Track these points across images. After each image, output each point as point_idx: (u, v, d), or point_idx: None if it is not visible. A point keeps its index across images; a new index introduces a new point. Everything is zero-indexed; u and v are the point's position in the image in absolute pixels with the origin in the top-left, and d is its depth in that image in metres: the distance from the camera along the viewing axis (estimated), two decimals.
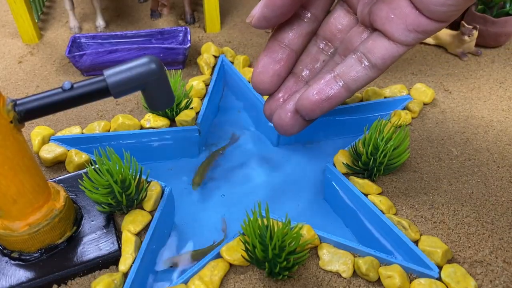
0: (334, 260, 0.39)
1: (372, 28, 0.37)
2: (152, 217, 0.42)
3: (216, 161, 0.54)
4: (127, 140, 0.51)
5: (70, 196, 0.43)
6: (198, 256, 0.42)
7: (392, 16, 0.34)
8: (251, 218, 0.36)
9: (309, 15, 0.39)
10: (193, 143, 0.53)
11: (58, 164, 0.49)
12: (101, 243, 0.40)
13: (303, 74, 0.41)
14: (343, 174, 0.46)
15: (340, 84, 0.37)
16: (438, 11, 0.32)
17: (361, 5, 0.37)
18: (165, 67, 0.34)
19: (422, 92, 0.55)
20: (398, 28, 0.34)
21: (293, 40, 0.39)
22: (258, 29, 0.72)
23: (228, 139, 0.51)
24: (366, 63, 0.36)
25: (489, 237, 0.41)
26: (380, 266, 0.38)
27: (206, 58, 0.62)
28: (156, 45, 0.61)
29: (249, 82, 0.58)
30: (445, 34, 0.64)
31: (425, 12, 0.33)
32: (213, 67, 0.62)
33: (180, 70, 0.61)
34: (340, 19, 0.40)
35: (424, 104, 0.55)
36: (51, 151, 0.48)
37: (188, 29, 0.65)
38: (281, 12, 0.35)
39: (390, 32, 0.35)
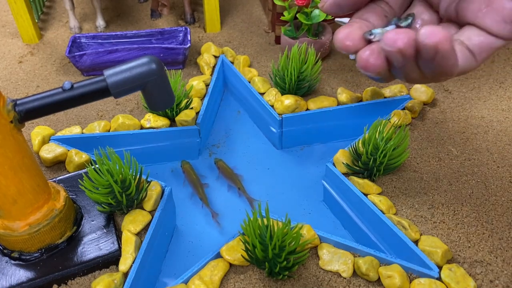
0: (334, 260, 0.39)
1: (462, 22, 0.34)
2: (152, 217, 0.42)
3: (215, 167, 0.54)
4: (127, 140, 0.51)
5: (70, 196, 0.43)
6: None
7: (486, 8, 0.32)
8: (251, 218, 0.36)
9: (388, 8, 0.37)
10: (193, 143, 0.53)
11: (58, 164, 0.49)
12: (101, 243, 0.40)
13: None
14: (343, 174, 0.46)
15: (454, 40, 0.33)
16: None
17: (445, 2, 0.35)
18: (165, 67, 0.34)
19: (422, 92, 0.55)
20: (494, 19, 0.32)
21: (375, 20, 0.36)
22: (258, 30, 0.72)
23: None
24: (466, 50, 0.33)
25: (489, 237, 0.41)
26: (380, 266, 0.38)
27: (206, 58, 0.62)
28: (156, 45, 0.61)
29: (249, 82, 0.58)
30: None
31: None
32: (213, 67, 0.62)
33: (180, 70, 0.61)
34: (422, 16, 0.37)
35: (424, 104, 0.55)
36: (51, 151, 0.48)
37: (188, 29, 0.65)
38: (353, 2, 0.35)
39: (485, 24, 0.32)
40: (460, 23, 0.35)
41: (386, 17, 0.37)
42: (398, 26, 0.36)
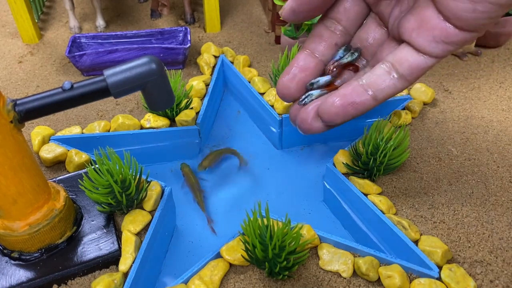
0: (334, 260, 0.39)
1: (401, 40, 0.36)
2: (152, 217, 0.42)
3: (224, 157, 0.54)
4: (127, 140, 0.51)
5: (70, 196, 0.43)
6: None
7: (419, 27, 0.34)
8: (251, 218, 0.36)
9: (340, 28, 0.39)
10: (193, 143, 0.53)
11: (58, 164, 0.49)
12: (101, 243, 0.40)
13: None
14: (343, 174, 0.46)
15: (368, 92, 0.36)
16: (467, 19, 0.31)
17: (392, 18, 0.37)
18: (165, 67, 0.34)
19: (422, 92, 0.55)
20: (426, 39, 0.34)
21: (323, 51, 0.39)
22: (258, 30, 0.72)
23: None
24: (394, 74, 0.36)
25: (489, 237, 0.41)
26: (380, 266, 0.38)
27: (206, 58, 0.62)
28: (156, 45, 0.61)
29: (249, 82, 0.58)
30: None
31: (454, 21, 0.32)
32: (213, 67, 0.62)
33: (180, 70, 0.61)
34: (371, 32, 0.39)
35: (424, 104, 0.55)
36: (51, 151, 0.48)
37: (188, 29, 0.65)
38: (308, 7, 0.36)
39: (417, 44, 0.34)
40: (400, 40, 0.36)
41: (335, 44, 0.39)
42: (336, 66, 0.39)
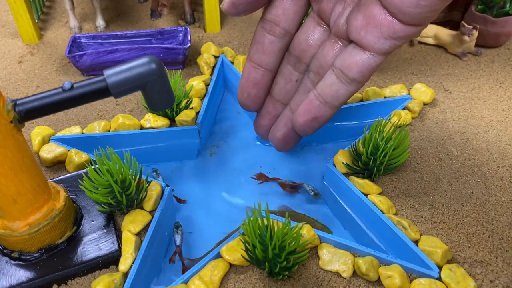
0: (334, 260, 0.39)
1: (347, 39, 0.36)
2: (152, 217, 0.42)
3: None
4: (127, 140, 0.51)
5: (70, 196, 0.43)
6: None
7: (367, 25, 0.33)
8: (251, 218, 0.36)
9: (279, 30, 0.39)
10: (193, 143, 0.53)
11: (58, 164, 0.49)
12: (101, 243, 0.40)
13: (280, 97, 0.43)
14: (343, 174, 0.46)
15: (323, 102, 0.38)
16: (412, 13, 0.31)
17: (335, 16, 0.37)
18: (165, 67, 0.34)
19: (422, 92, 0.55)
20: (374, 36, 0.34)
21: (266, 60, 0.40)
22: None
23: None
24: (345, 79, 0.36)
25: (489, 237, 0.41)
26: (380, 266, 0.38)
27: (206, 58, 0.62)
28: (156, 45, 0.61)
29: None
30: (445, 34, 0.64)
31: (400, 16, 0.32)
32: (213, 67, 0.62)
33: (180, 70, 0.61)
34: (310, 33, 0.39)
35: (424, 104, 0.55)
36: (51, 151, 0.48)
37: (188, 29, 0.65)
38: (247, 1, 0.37)
39: (366, 42, 0.34)
40: (347, 39, 0.36)
41: (279, 51, 0.40)
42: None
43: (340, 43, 0.37)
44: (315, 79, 0.40)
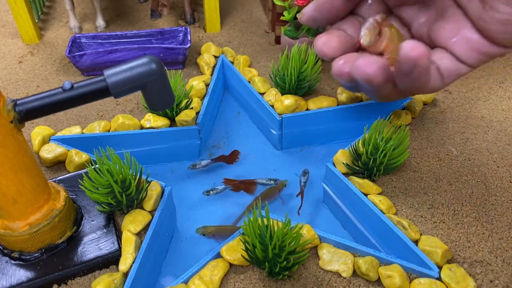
0: (334, 260, 0.39)
1: (433, 46, 0.36)
2: (152, 217, 0.42)
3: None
4: (127, 140, 0.51)
5: (70, 196, 0.43)
6: (222, 232, 0.45)
7: (456, 36, 0.34)
8: (251, 218, 0.36)
9: (362, 21, 0.39)
10: (193, 143, 0.53)
11: (58, 164, 0.49)
12: (101, 243, 0.40)
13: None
14: (343, 174, 0.46)
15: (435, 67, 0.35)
16: (501, 38, 0.32)
17: (417, 24, 0.37)
18: (165, 67, 0.34)
19: None
20: (462, 47, 0.34)
21: (350, 30, 0.39)
22: (258, 30, 0.72)
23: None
24: (436, 70, 0.35)
25: (489, 237, 0.41)
26: (380, 266, 0.38)
27: (206, 58, 0.62)
28: (156, 45, 0.61)
29: (249, 82, 0.58)
30: None
31: (488, 38, 0.33)
32: (213, 67, 0.62)
33: (180, 70, 0.61)
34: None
35: (424, 104, 0.55)
36: (51, 151, 0.48)
37: (188, 29, 0.65)
38: (329, 16, 0.37)
39: (454, 50, 0.34)
40: (431, 45, 0.36)
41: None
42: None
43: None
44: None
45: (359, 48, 0.38)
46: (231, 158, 0.54)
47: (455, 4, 0.34)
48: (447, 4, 0.35)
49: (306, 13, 0.38)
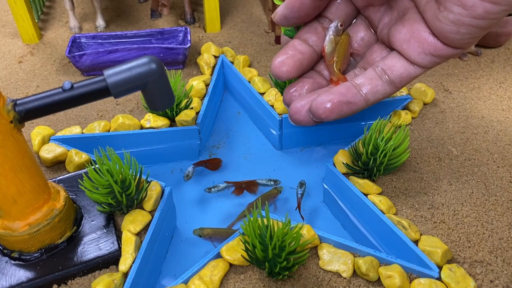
0: (334, 260, 0.39)
1: (391, 48, 0.38)
2: (152, 217, 0.42)
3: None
4: (127, 140, 0.51)
5: (70, 196, 0.43)
6: (219, 234, 0.45)
7: (410, 39, 0.35)
8: (251, 218, 0.36)
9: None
10: (193, 143, 0.53)
11: (58, 164, 0.49)
12: (101, 243, 0.40)
13: (325, 74, 0.42)
14: (343, 174, 0.46)
15: (362, 93, 0.38)
16: (453, 38, 0.33)
17: (382, 25, 0.39)
18: (165, 67, 0.34)
19: (422, 92, 0.56)
20: (415, 50, 0.35)
21: (315, 42, 0.40)
22: (258, 30, 0.72)
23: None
24: (385, 79, 0.37)
25: (489, 237, 0.41)
26: (380, 266, 0.38)
27: (206, 58, 0.62)
28: (156, 45, 0.61)
29: (249, 82, 0.58)
30: None
31: (442, 39, 0.34)
32: (213, 67, 0.62)
33: (180, 70, 0.61)
34: (361, 34, 0.41)
35: (424, 104, 0.55)
36: (51, 151, 0.48)
37: (188, 29, 0.65)
38: (299, 14, 0.38)
39: (408, 54, 0.36)
40: (390, 47, 0.39)
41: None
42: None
43: (386, 50, 0.39)
44: (359, 74, 0.41)
45: (322, 57, 0.41)
46: (212, 164, 0.53)
47: (415, 6, 0.36)
48: (407, 6, 0.36)
49: (279, 12, 0.38)
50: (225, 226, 0.47)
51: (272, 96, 0.55)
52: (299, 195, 0.47)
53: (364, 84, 0.38)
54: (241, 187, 0.50)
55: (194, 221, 0.48)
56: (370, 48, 0.41)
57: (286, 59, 0.39)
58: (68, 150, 0.49)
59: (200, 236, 0.45)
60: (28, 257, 0.38)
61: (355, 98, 0.37)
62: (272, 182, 0.50)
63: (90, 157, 0.48)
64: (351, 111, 0.38)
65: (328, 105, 0.37)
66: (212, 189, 0.49)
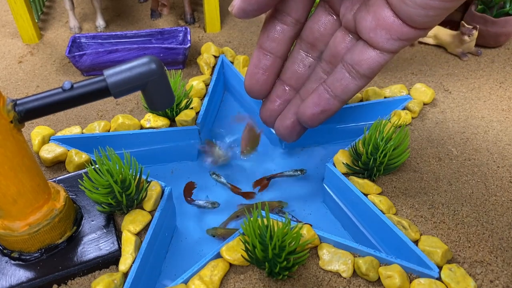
0: (334, 260, 0.39)
1: (356, 34, 0.38)
2: (152, 217, 0.42)
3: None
4: (127, 140, 0.51)
5: (70, 196, 0.43)
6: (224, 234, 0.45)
7: (377, 27, 0.35)
8: (251, 218, 0.36)
9: (290, 19, 0.40)
10: (193, 143, 0.53)
11: (58, 164, 0.49)
12: (101, 243, 0.40)
13: (291, 81, 0.43)
14: (343, 174, 0.46)
15: (332, 96, 0.39)
16: (421, 21, 0.33)
17: (344, 8, 0.38)
18: (165, 67, 0.34)
19: (422, 92, 0.55)
20: (383, 37, 0.35)
21: (276, 48, 0.41)
22: (258, 30, 0.72)
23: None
24: (355, 74, 0.38)
25: (489, 237, 0.41)
26: (380, 266, 0.38)
27: (206, 58, 0.62)
28: (156, 45, 0.61)
29: None
30: (445, 34, 0.64)
31: (409, 22, 0.34)
32: (213, 67, 0.62)
33: (180, 70, 0.61)
34: (322, 21, 0.40)
35: (424, 104, 0.55)
36: (51, 151, 0.48)
37: (188, 29, 0.65)
38: (257, 6, 0.37)
39: (376, 42, 0.36)
40: (355, 33, 0.38)
41: (290, 39, 0.41)
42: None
43: (350, 36, 0.39)
44: (327, 68, 0.41)
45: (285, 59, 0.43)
46: (186, 191, 0.51)
47: None
48: None
49: (235, 5, 0.37)
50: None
51: None
52: (286, 174, 0.51)
53: (335, 86, 0.39)
54: (238, 192, 0.50)
55: (194, 221, 0.48)
56: (333, 36, 0.40)
57: (252, 85, 0.42)
58: (68, 150, 0.49)
59: (214, 236, 0.45)
60: (28, 257, 0.38)
61: (329, 104, 0.39)
62: (298, 172, 0.51)
63: (90, 157, 0.48)
64: (329, 116, 0.40)
65: (308, 119, 0.41)
66: (214, 175, 0.51)
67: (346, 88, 0.38)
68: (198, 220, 0.48)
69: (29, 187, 0.35)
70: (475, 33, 0.61)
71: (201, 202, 0.48)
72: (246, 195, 0.50)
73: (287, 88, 0.43)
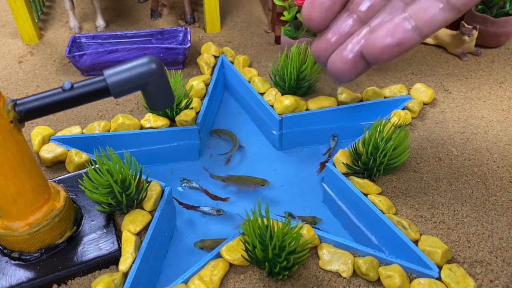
0: (334, 260, 0.39)
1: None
2: (152, 217, 0.42)
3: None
4: (127, 140, 0.51)
5: (70, 196, 0.43)
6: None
7: None
8: (251, 218, 0.36)
9: (360, 16, 0.36)
10: (193, 143, 0.53)
11: (58, 164, 0.49)
12: (101, 243, 0.40)
13: (361, 12, 0.36)
14: (343, 174, 0.46)
15: (413, 27, 0.33)
16: None
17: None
18: (165, 67, 0.34)
19: (422, 92, 0.55)
20: None
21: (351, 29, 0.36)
22: (258, 30, 0.72)
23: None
24: (445, 5, 0.32)
25: (489, 237, 0.41)
26: (380, 266, 0.38)
27: (206, 58, 0.62)
28: (156, 45, 0.61)
29: (249, 82, 0.58)
30: (445, 34, 0.64)
31: None
32: (213, 67, 0.62)
33: (180, 70, 0.61)
34: None
35: (424, 104, 0.55)
36: (51, 151, 0.48)
37: (188, 29, 0.65)
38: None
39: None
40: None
41: (360, 21, 0.36)
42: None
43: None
44: (408, 2, 0.34)
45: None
46: (182, 204, 0.50)
47: None
48: None
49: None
50: (224, 226, 0.47)
51: (272, 96, 0.55)
52: (332, 146, 0.53)
53: (418, 16, 0.33)
54: (212, 196, 0.50)
55: (194, 221, 0.48)
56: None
57: (314, 10, 0.35)
58: (68, 150, 0.49)
59: (202, 249, 0.44)
60: (28, 257, 0.38)
61: (407, 37, 0.33)
62: (215, 212, 0.48)
63: (90, 157, 0.48)
64: (404, 51, 0.33)
65: (378, 51, 0.33)
66: (184, 181, 0.51)
67: (431, 19, 0.32)
68: (198, 220, 0.48)
69: (29, 187, 0.35)
70: (475, 33, 0.61)
71: (206, 209, 0.47)
72: (217, 198, 0.49)
73: (354, 19, 0.36)
